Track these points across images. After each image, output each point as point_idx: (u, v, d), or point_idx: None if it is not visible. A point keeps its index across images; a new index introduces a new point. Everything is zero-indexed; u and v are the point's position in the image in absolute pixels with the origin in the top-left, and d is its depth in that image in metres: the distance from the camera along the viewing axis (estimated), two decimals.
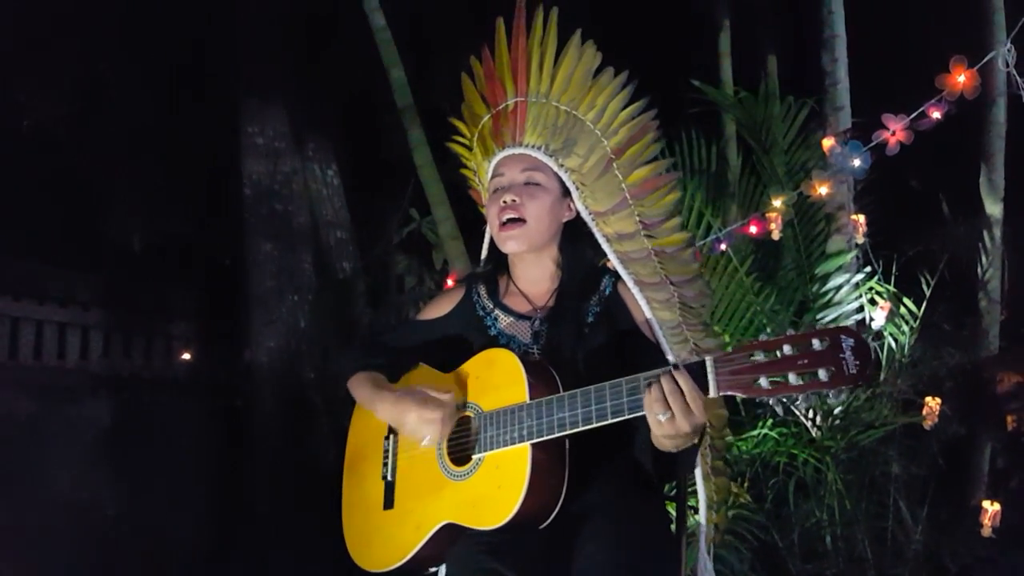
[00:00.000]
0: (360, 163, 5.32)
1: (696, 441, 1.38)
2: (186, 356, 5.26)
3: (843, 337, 1.18)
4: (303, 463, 4.06)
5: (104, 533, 4.11)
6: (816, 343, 1.20)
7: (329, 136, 4.97)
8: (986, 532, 2.84)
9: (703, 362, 1.29)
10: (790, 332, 1.23)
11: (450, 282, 3.58)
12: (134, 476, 4.26)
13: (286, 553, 3.89)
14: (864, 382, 1.21)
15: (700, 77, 3.69)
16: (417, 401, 1.50)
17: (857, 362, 1.17)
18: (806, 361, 1.20)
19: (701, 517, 1.63)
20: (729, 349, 1.30)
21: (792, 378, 1.20)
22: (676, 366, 1.32)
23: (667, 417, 1.29)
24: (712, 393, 1.27)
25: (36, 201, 4.85)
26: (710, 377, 1.27)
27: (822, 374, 1.18)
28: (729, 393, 1.27)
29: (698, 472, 1.67)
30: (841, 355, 1.17)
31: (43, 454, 4.22)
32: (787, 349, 1.22)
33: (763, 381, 1.22)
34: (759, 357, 1.23)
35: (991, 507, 2.85)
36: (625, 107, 1.57)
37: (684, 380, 1.29)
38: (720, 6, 4.73)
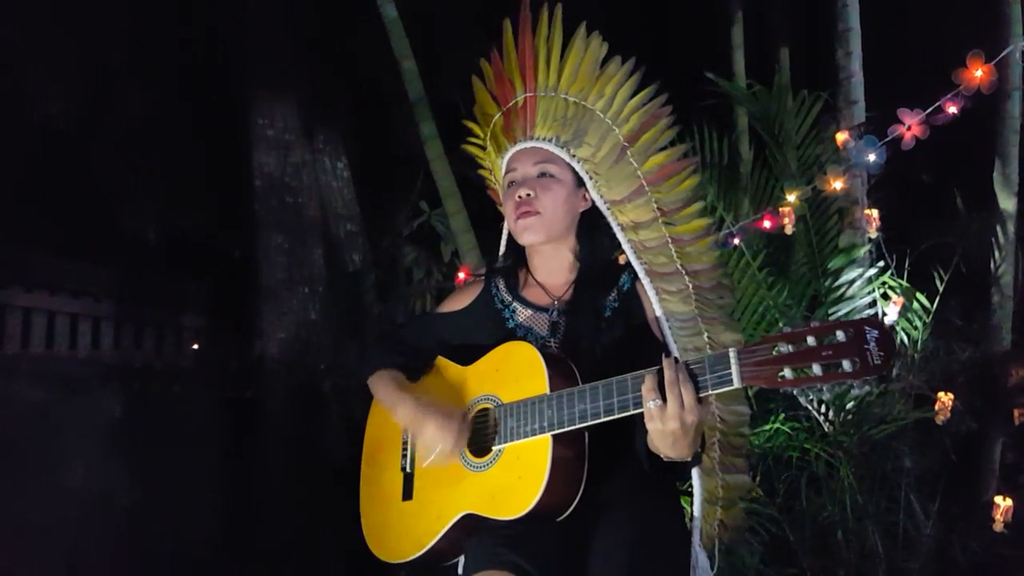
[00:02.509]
0: (370, 155, 5.32)
1: (689, 457, 1.38)
2: (197, 347, 5.28)
3: (867, 328, 1.19)
4: (314, 454, 4.08)
5: (114, 522, 4.13)
6: (840, 334, 1.20)
7: (339, 128, 4.97)
8: (998, 527, 2.84)
9: (726, 353, 1.29)
10: (814, 323, 1.24)
11: (461, 275, 3.58)
12: (145, 466, 4.28)
13: (297, 544, 3.91)
14: (888, 372, 1.24)
15: (713, 69, 3.67)
16: (438, 412, 1.51)
17: (881, 353, 1.18)
18: (830, 352, 1.20)
19: (696, 512, 1.61)
20: (747, 343, 1.31)
21: (816, 369, 1.21)
22: (675, 359, 1.32)
23: (658, 405, 1.30)
24: (736, 384, 1.28)
25: (47, 193, 4.86)
26: (733, 368, 1.27)
27: (846, 365, 1.19)
28: (753, 384, 1.28)
29: (695, 470, 1.64)
30: (865, 346, 1.18)
31: (54, 443, 4.24)
32: (811, 340, 1.22)
33: (787, 372, 1.23)
34: (783, 348, 1.24)
35: (1003, 502, 2.85)
36: (634, 94, 1.57)
37: (681, 370, 1.30)
38: None
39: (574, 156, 1.60)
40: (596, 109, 1.58)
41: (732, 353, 1.28)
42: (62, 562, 3.85)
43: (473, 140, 1.79)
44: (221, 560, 4.09)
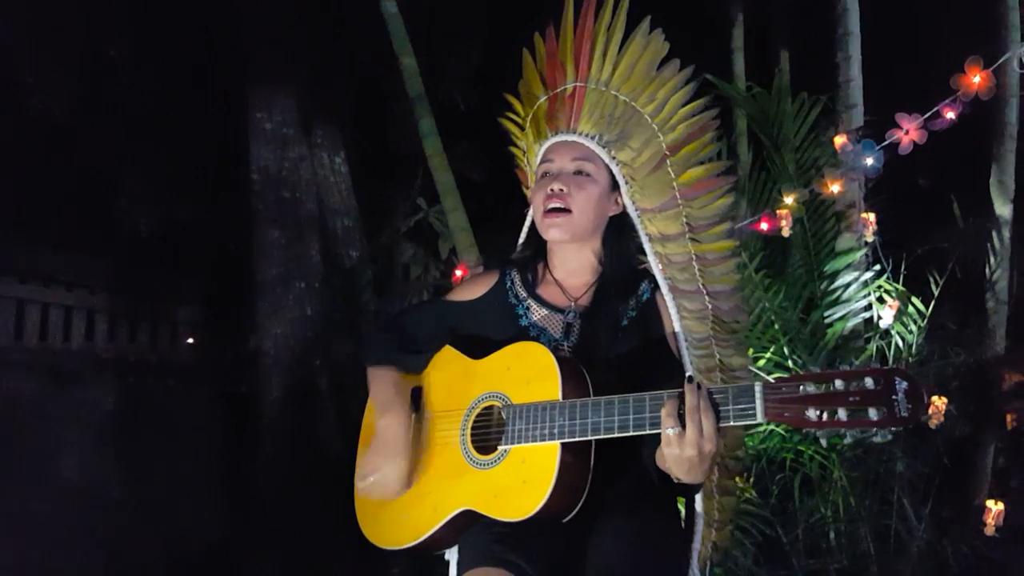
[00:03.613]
0: (368, 151, 5.31)
1: (701, 480, 1.36)
2: (192, 341, 5.27)
3: (897, 379, 1.18)
4: (309, 450, 4.07)
5: (107, 517, 4.12)
6: (869, 381, 1.19)
7: (338, 123, 4.95)
8: (989, 531, 2.86)
9: (751, 387, 1.28)
10: (844, 367, 1.23)
11: (459, 272, 3.58)
12: (138, 460, 4.27)
13: (292, 539, 3.90)
14: (912, 425, 1.22)
15: (712, 71, 3.67)
16: (401, 449, 1.53)
17: (909, 405, 1.17)
18: (858, 398, 1.19)
19: (696, 534, 1.60)
20: (751, 367, 1.29)
21: (841, 413, 1.20)
22: (698, 384, 1.30)
23: (677, 432, 1.28)
24: (759, 419, 1.26)
25: (44, 184, 4.84)
26: (758, 403, 1.26)
27: (872, 413, 1.18)
28: (775, 421, 1.26)
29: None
30: (894, 396, 1.17)
31: (47, 436, 4.22)
32: (839, 384, 1.21)
33: (811, 412, 1.22)
34: (809, 388, 1.23)
35: (995, 506, 2.87)
36: (686, 104, 1.53)
37: (703, 398, 1.28)
38: (734, 1, 4.71)
39: (614, 158, 1.56)
40: (645, 112, 1.54)
41: (758, 388, 1.27)
42: (55, 554, 3.84)
43: (512, 116, 1.72)
44: (215, 553, 4.08)
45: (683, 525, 1.61)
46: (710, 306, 1.55)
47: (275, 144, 4.52)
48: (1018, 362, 3.62)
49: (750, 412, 1.26)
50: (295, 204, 4.53)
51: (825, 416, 1.21)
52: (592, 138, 1.56)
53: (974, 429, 3.34)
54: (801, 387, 1.23)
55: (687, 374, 1.49)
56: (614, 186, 1.58)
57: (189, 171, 5.31)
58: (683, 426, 1.27)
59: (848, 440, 1.26)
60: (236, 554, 4.07)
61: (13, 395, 4.25)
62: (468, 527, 1.48)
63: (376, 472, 1.53)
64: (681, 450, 1.28)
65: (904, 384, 1.17)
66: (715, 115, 1.55)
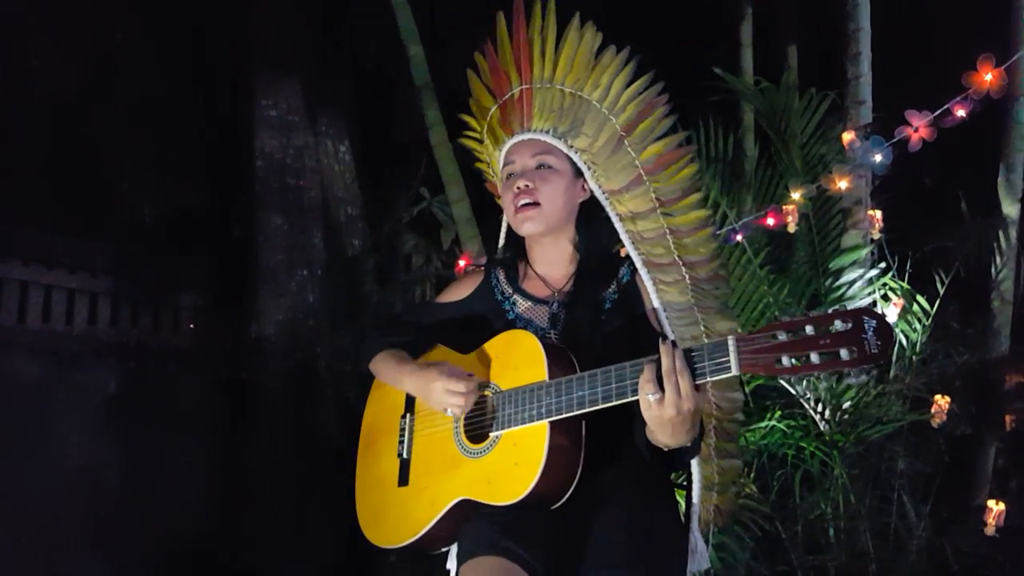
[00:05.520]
0: (373, 140, 5.30)
1: (688, 443, 1.38)
2: (194, 327, 5.26)
3: (865, 318, 1.19)
4: (308, 437, 4.08)
5: (106, 501, 4.13)
6: (839, 324, 1.20)
7: (343, 111, 4.95)
8: (990, 531, 2.86)
9: (725, 341, 1.29)
10: (813, 313, 1.24)
11: (462, 263, 3.58)
12: (138, 445, 4.28)
13: (290, 528, 3.91)
14: (884, 361, 1.24)
15: (721, 66, 3.66)
16: (443, 372, 1.51)
17: (879, 342, 1.18)
18: (828, 341, 1.20)
19: (695, 498, 1.63)
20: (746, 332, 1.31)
21: (814, 357, 1.21)
22: (669, 340, 1.32)
23: (657, 398, 1.29)
24: (734, 371, 1.27)
25: (47, 167, 4.83)
26: (732, 355, 1.27)
27: (844, 353, 1.19)
28: (751, 372, 1.28)
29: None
30: (863, 335, 1.18)
31: (48, 418, 4.23)
32: (809, 329, 1.22)
33: (785, 360, 1.23)
34: (781, 337, 1.24)
35: (996, 506, 2.86)
36: (630, 84, 1.58)
37: (678, 358, 1.30)
38: None
39: (572, 147, 1.60)
40: (592, 99, 1.59)
41: (731, 340, 1.28)
42: (54, 536, 3.85)
43: (470, 134, 1.79)
44: (213, 539, 4.10)
45: (682, 518, 1.61)
46: (687, 276, 1.58)
47: (280, 131, 4.52)
48: (1021, 363, 3.61)
49: (725, 365, 1.28)
50: (299, 192, 4.53)
51: (798, 362, 1.23)
52: (547, 132, 1.61)
53: (976, 429, 3.33)
54: (773, 336, 1.24)
55: (668, 338, 1.51)
56: (578, 173, 1.62)
57: (193, 157, 5.29)
58: (662, 390, 1.29)
59: (824, 383, 1.27)
60: (234, 540, 4.08)
61: (15, 377, 4.26)
62: (466, 518, 1.48)
63: (446, 400, 1.50)
64: (661, 412, 1.30)
65: (873, 323, 1.19)
66: (662, 91, 1.59)
